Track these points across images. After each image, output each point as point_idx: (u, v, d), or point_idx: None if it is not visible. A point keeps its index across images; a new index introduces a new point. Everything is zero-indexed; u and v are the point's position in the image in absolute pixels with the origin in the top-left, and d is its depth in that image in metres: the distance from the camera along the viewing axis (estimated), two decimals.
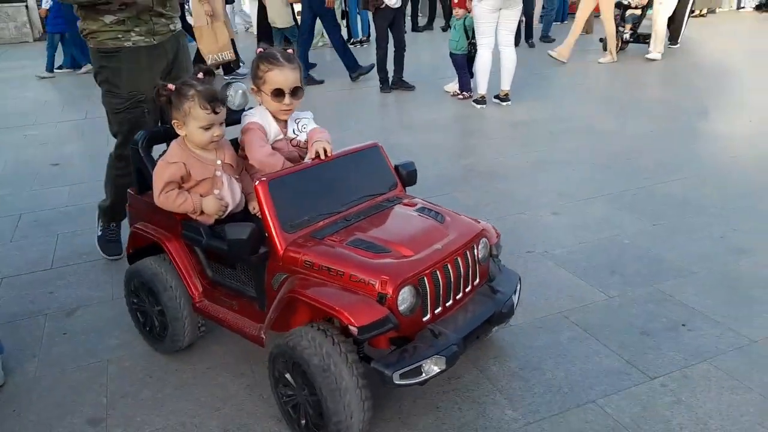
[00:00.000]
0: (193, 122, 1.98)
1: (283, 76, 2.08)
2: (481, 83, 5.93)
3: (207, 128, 1.99)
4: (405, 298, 1.68)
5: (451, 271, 1.79)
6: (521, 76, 6.20)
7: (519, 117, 5.46)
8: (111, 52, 2.61)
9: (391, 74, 6.76)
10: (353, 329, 1.59)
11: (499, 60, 5.85)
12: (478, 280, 1.93)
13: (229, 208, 2.09)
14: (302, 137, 2.17)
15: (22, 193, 3.91)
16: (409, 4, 10.60)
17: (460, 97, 6.31)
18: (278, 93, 2.08)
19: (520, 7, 5.75)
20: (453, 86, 6.54)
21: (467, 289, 1.89)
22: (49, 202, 3.74)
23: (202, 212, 2.03)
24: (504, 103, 5.92)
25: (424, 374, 1.67)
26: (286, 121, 2.17)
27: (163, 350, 2.23)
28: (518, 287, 2.03)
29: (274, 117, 2.14)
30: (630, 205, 3.37)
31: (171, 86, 2.00)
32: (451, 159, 4.36)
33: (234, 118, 2.26)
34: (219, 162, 2.07)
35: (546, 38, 9.80)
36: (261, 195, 1.82)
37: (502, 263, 2.11)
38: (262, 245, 1.84)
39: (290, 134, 2.17)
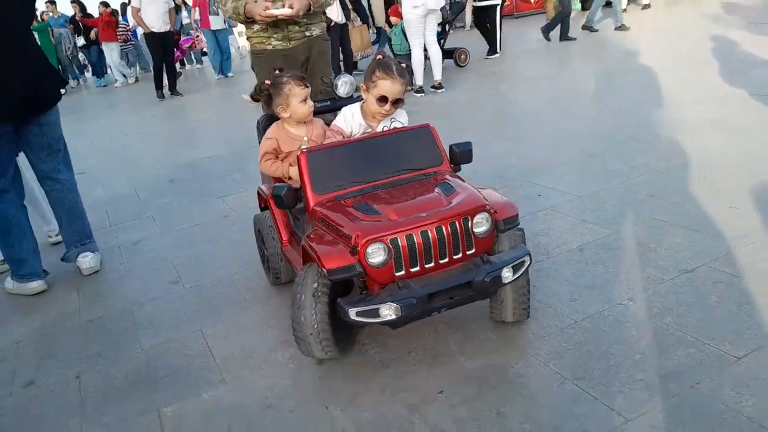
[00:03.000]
0: (294, 99, 2.47)
1: (392, 87, 2.36)
2: (418, 76, 7.22)
3: (304, 100, 2.49)
4: (374, 253, 1.88)
5: (430, 236, 1.92)
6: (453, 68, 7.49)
7: (448, 100, 6.76)
8: (258, 53, 3.39)
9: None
10: (324, 270, 1.91)
11: (429, 57, 7.17)
12: (473, 250, 2.01)
13: None
14: None
15: None
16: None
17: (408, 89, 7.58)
18: (383, 99, 2.37)
19: (439, 13, 7.03)
20: None
21: (457, 256, 1.99)
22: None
23: (290, 177, 2.47)
24: (438, 91, 7.20)
25: (380, 317, 1.87)
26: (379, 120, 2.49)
27: (271, 282, 2.82)
28: (520, 263, 2.02)
29: (367, 116, 2.47)
30: (520, 141, 4.66)
31: (267, 82, 2.51)
32: None
33: (339, 104, 2.70)
34: (306, 138, 2.54)
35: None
36: (301, 163, 2.19)
37: (520, 240, 2.17)
38: (300, 202, 2.23)
39: (379, 129, 2.47)
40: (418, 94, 7.17)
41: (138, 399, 2.17)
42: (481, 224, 2.00)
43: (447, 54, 8.30)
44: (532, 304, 2.31)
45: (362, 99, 2.51)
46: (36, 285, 3.13)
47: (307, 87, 2.52)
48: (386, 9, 9.61)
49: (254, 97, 2.60)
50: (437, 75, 7.24)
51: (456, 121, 5.75)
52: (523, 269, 2.04)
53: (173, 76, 9.67)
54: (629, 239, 2.84)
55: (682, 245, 2.70)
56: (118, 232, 3.93)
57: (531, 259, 2.08)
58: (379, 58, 2.43)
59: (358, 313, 1.88)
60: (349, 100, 2.72)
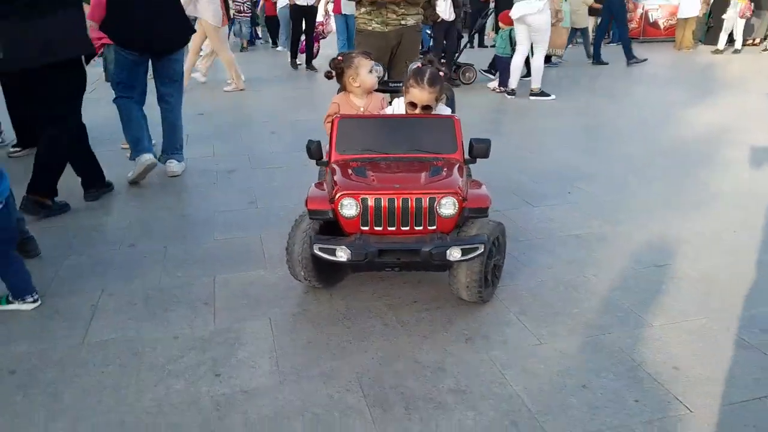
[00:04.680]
0: (363, 69, 2.87)
1: (420, 95, 2.63)
2: (513, 79, 7.68)
3: (370, 71, 2.91)
4: (345, 205, 2.26)
5: (396, 204, 2.26)
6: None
7: (535, 106, 7.20)
8: (360, 31, 4.21)
9: None
10: (306, 210, 2.37)
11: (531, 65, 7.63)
12: (435, 227, 2.30)
13: None
14: None
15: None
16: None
17: (498, 90, 8.07)
18: (412, 104, 2.67)
19: (541, 27, 7.35)
20: (493, 84, 8.33)
21: (418, 228, 2.30)
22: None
23: None
24: (531, 98, 7.62)
25: (335, 257, 2.23)
26: None
27: None
28: (472, 248, 2.25)
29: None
30: (579, 150, 5.08)
31: (340, 57, 2.94)
32: (483, 124, 6.19)
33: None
34: (362, 108, 2.93)
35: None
36: (333, 125, 2.59)
37: (492, 232, 2.39)
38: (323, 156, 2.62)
39: None
40: (510, 96, 7.63)
41: (203, 267, 2.95)
42: (446, 206, 2.28)
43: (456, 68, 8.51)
44: (514, 265, 2.87)
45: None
46: (148, 157, 4.10)
47: (372, 60, 2.95)
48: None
49: (328, 74, 3.01)
50: (533, 83, 7.66)
51: (529, 124, 6.21)
52: (473, 254, 2.25)
53: (311, 51, 10.48)
54: (623, 236, 3.28)
55: (666, 248, 3.12)
56: (219, 161, 4.80)
57: (487, 250, 2.31)
58: (417, 66, 2.71)
59: (319, 249, 2.27)
60: None
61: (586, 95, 7.88)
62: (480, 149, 2.61)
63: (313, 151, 2.63)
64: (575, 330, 2.38)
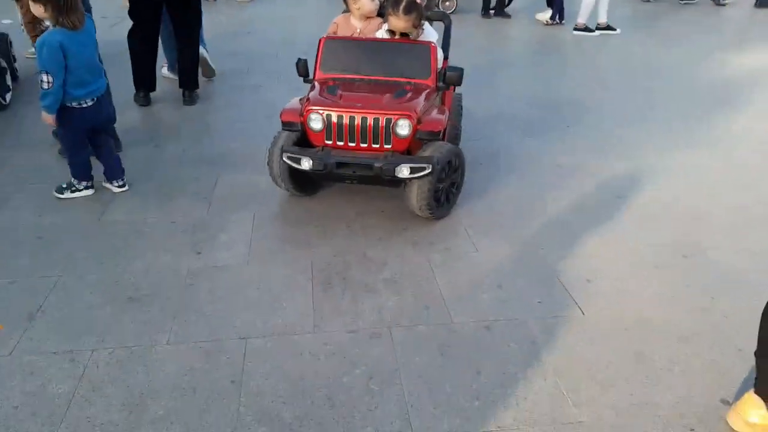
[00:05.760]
0: None
1: (396, 23, 2.82)
2: (583, 15, 7.37)
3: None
4: (312, 119, 2.56)
5: (356, 121, 2.53)
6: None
7: (577, 39, 7.12)
8: None
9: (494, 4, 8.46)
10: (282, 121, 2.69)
11: None
12: (390, 146, 2.56)
13: None
14: None
15: None
16: None
17: (549, 23, 7.89)
18: (391, 32, 2.92)
19: None
20: (543, 15, 8.17)
21: (375, 145, 2.56)
22: None
23: None
24: (596, 32, 7.33)
25: (300, 165, 2.55)
26: None
27: None
28: (420, 168, 2.49)
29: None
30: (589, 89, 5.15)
31: None
32: (519, 57, 6.26)
33: None
34: (358, 30, 3.16)
35: None
36: (319, 46, 2.86)
37: (443, 155, 2.59)
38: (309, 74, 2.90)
39: None
40: (576, 32, 7.33)
41: (211, 167, 3.39)
42: (402, 127, 2.54)
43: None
44: (483, 185, 3.17)
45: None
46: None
47: None
48: None
49: None
50: (580, 18, 7.45)
51: (566, 59, 6.26)
52: (422, 173, 2.51)
53: None
54: (601, 168, 3.48)
55: (637, 180, 3.32)
56: (251, 76, 5.18)
57: (437, 170, 2.54)
58: None
59: (287, 157, 2.60)
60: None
61: (644, 33, 7.67)
62: (452, 77, 2.78)
63: (300, 68, 2.92)
64: (513, 243, 2.69)
